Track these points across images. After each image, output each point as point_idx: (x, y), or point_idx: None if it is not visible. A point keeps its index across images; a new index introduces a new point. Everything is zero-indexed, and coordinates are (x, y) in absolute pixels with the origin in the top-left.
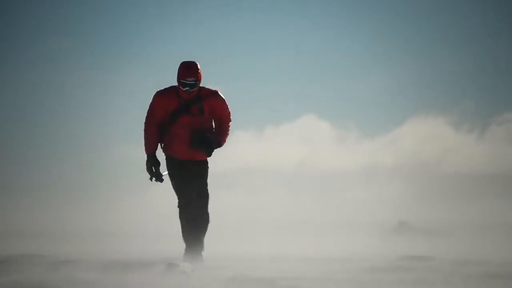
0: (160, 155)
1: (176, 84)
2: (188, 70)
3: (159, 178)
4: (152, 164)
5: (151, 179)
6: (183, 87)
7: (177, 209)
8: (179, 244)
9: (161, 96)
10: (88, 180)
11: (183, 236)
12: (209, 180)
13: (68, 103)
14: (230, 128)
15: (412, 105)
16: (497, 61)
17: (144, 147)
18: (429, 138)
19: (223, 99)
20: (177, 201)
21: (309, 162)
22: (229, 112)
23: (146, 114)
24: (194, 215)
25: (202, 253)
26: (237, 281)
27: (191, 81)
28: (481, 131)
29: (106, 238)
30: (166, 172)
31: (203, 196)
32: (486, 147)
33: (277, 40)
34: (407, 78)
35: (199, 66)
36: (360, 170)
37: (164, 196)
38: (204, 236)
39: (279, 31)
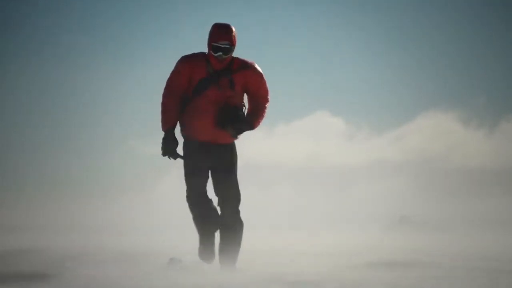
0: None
1: (204, 51)
2: (223, 31)
3: (173, 155)
4: (169, 143)
5: (163, 154)
6: (215, 52)
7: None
8: (181, 238)
9: (187, 62)
10: (93, 174)
11: (197, 229)
12: (239, 175)
13: (77, 100)
14: (266, 111)
15: (422, 101)
16: (510, 57)
17: (160, 123)
18: (437, 134)
19: (261, 74)
20: (186, 192)
21: (318, 158)
22: (267, 90)
23: (166, 83)
24: (209, 208)
25: (236, 265)
26: (240, 276)
27: (225, 44)
28: (491, 127)
29: (110, 232)
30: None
31: (232, 196)
32: (494, 143)
33: (291, 37)
34: (418, 74)
35: (234, 29)
36: (369, 165)
37: (167, 191)
38: (238, 246)
39: (293, 27)
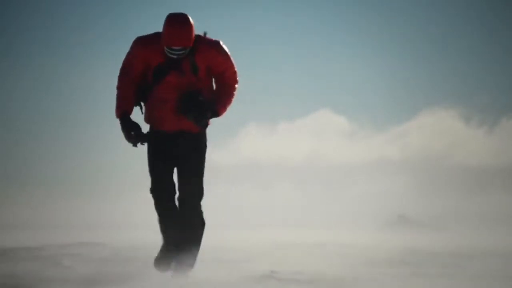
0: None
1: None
2: (176, 33)
3: (142, 138)
4: (128, 128)
5: (134, 144)
6: (169, 54)
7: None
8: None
9: (142, 46)
10: (92, 173)
11: (160, 228)
12: (206, 166)
13: (81, 97)
14: (235, 93)
15: (424, 99)
16: (511, 56)
17: (115, 109)
18: (439, 131)
19: (227, 53)
20: (150, 185)
21: (321, 156)
22: (235, 71)
23: (121, 65)
24: (172, 207)
25: (191, 269)
26: (235, 273)
27: (179, 50)
28: (492, 125)
29: (107, 230)
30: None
31: (193, 192)
32: (495, 141)
33: (295, 36)
34: (420, 72)
35: (190, 24)
36: (371, 163)
37: None
38: (196, 247)
39: (296, 27)
